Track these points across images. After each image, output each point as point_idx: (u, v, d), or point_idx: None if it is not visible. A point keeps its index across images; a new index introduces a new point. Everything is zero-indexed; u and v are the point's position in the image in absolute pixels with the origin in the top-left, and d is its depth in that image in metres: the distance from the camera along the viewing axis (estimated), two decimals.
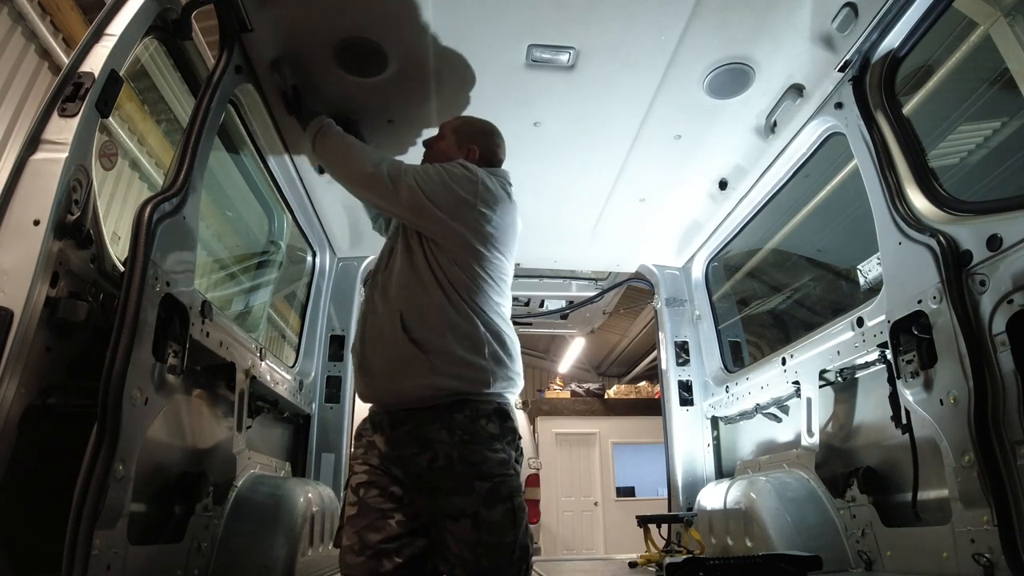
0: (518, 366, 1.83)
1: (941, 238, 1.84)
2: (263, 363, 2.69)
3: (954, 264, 1.78)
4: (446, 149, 2.09)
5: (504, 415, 1.75)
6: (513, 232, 1.96)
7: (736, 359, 3.90)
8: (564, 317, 5.16)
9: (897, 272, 2.06)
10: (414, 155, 2.91)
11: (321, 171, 3.03)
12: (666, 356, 3.94)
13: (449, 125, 2.17)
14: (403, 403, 1.73)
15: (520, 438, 1.82)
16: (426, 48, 2.27)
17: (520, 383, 1.83)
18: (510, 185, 2.04)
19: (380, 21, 2.17)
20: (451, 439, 1.66)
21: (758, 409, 3.22)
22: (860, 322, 2.34)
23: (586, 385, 11.92)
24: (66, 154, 1.46)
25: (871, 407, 2.43)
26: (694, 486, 3.65)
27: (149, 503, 1.85)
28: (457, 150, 2.06)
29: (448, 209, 1.81)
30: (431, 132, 2.63)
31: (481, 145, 2.09)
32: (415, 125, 2.66)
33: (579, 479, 10.84)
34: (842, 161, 2.88)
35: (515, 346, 1.84)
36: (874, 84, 2.23)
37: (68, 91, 1.52)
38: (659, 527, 3.61)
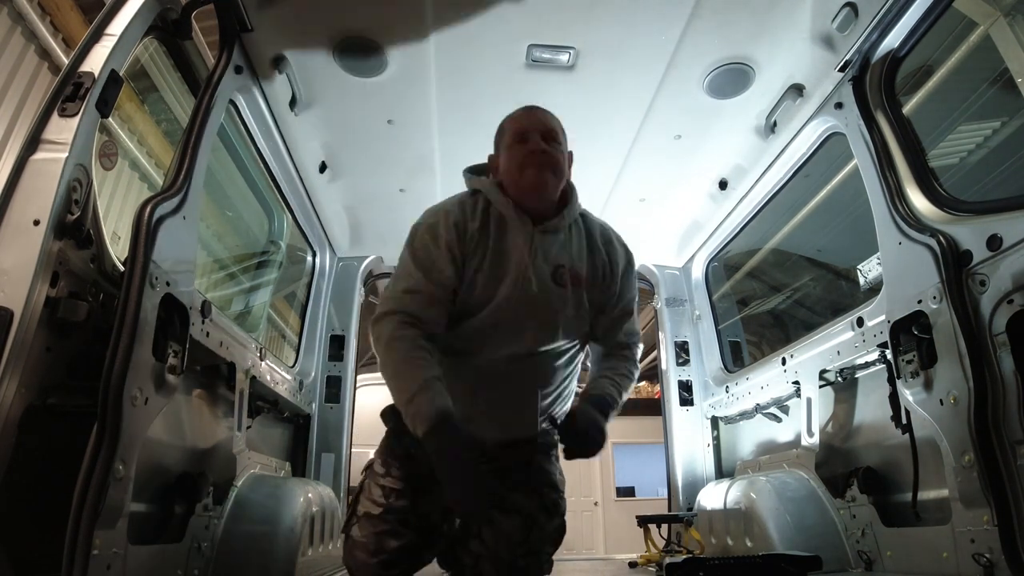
0: None
1: (941, 238, 1.84)
2: (263, 363, 2.69)
3: (954, 264, 1.78)
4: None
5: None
6: None
7: (736, 359, 3.90)
8: None
9: (897, 272, 2.06)
10: (414, 155, 2.91)
11: (321, 170, 3.03)
12: (666, 356, 3.94)
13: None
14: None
15: None
16: (426, 48, 2.27)
17: None
18: None
19: (380, 21, 2.17)
20: (531, 446, 1.68)
21: (758, 409, 3.22)
22: (860, 322, 2.34)
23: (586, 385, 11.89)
24: (66, 154, 1.46)
25: (871, 407, 2.42)
26: (694, 486, 3.65)
27: (149, 503, 1.85)
28: None
29: None
30: (431, 132, 2.64)
31: None
32: (415, 125, 2.65)
33: (579, 479, 10.82)
34: (842, 161, 2.88)
35: None
36: (874, 84, 2.23)
37: (68, 91, 1.52)
38: (659, 527, 3.61)
